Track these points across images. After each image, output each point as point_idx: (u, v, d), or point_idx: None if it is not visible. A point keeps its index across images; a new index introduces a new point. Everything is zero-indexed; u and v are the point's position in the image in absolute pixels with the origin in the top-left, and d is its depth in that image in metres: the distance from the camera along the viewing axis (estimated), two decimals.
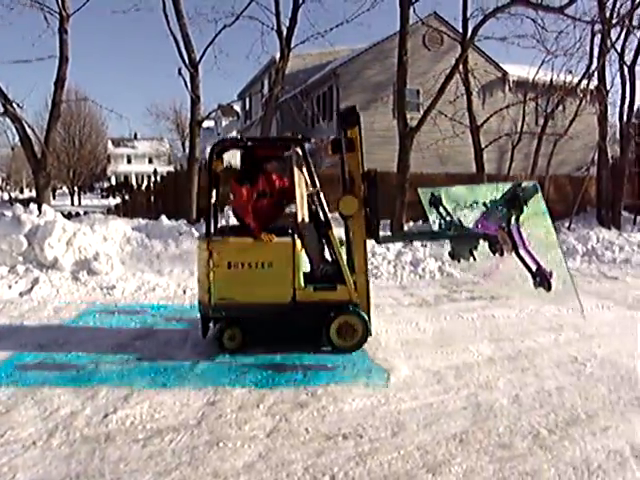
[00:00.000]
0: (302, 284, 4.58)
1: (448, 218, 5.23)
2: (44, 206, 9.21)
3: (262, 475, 2.77)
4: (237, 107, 30.96)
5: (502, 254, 4.69)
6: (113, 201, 28.40)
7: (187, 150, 14.54)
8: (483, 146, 12.63)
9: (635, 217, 13.69)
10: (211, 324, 4.82)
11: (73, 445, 3.06)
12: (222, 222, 6.61)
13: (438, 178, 12.98)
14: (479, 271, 6.02)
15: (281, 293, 4.54)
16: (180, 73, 11.50)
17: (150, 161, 55.06)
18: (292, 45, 12.55)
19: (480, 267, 5.44)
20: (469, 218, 5.07)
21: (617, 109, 13.90)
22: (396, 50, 11.42)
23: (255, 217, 4.60)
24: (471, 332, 5.38)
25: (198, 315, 4.79)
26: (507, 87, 19.78)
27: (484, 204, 4.86)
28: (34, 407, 3.54)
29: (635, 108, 14.35)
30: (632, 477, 2.77)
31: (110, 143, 52.13)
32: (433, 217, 5.49)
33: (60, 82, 10.84)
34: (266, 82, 22.20)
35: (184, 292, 7.25)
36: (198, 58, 11.46)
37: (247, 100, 28.24)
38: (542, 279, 4.47)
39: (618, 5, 12.33)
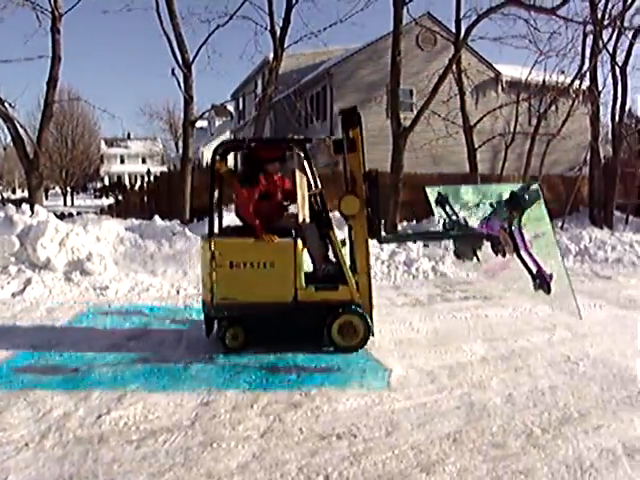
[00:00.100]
0: (303, 284, 4.61)
1: (454, 217, 5.21)
2: (36, 206, 9.14)
3: (256, 475, 2.77)
4: (230, 107, 30.97)
5: (504, 255, 4.70)
6: (106, 201, 28.34)
7: (180, 150, 14.47)
8: (476, 146, 12.64)
9: (627, 217, 13.76)
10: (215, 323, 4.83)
11: (66, 446, 3.04)
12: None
13: (431, 178, 12.98)
14: (483, 270, 6.00)
15: (283, 293, 4.57)
16: (173, 73, 11.51)
17: (143, 161, 54.82)
18: (285, 45, 12.51)
19: (484, 266, 5.44)
20: (475, 218, 5.08)
21: (609, 109, 14.02)
22: (389, 50, 11.44)
23: (257, 217, 4.62)
24: (464, 332, 5.40)
25: (192, 315, 4.79)
26: (500, 87, 19.83)
27: (490, 204, 4.87)
28: (27, 408, 3.52)
29: (627, 108, 14.46)
30: (624, 475, 2.79)
31: (103, 143, 51.94)
32: (438, 216, 5.48)
33: (52, 82, 10.78)
34: (259, 82, 22.16)
35: (177, 292, 7.24)
36: (191, 58, 11.42)
37: (240, 100, 28.16)
38: (542, 281, 4.48)
39: (610, 6, 12.44)
